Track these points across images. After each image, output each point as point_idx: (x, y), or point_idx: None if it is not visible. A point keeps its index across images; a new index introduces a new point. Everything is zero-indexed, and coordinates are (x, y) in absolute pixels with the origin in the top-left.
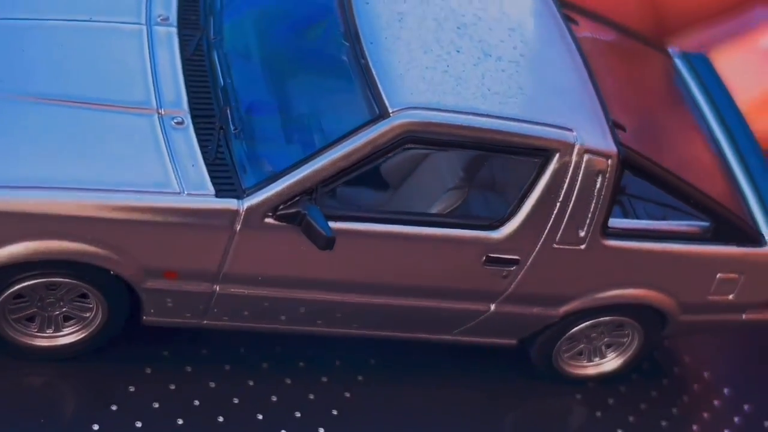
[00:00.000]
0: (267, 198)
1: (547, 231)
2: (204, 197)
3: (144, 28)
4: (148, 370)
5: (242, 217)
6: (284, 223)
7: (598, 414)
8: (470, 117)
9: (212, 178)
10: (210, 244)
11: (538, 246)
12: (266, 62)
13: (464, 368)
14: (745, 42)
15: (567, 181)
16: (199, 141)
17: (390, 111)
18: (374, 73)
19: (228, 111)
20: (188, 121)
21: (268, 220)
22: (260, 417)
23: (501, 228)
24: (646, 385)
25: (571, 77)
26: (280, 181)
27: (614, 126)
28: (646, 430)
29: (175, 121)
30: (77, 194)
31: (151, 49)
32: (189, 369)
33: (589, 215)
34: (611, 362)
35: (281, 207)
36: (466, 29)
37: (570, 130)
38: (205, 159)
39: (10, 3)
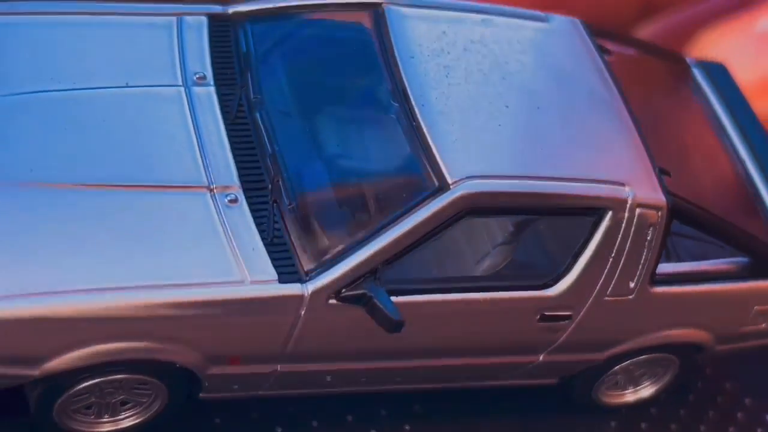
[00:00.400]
0: (331, 281)
1: (599, 286)
2: (268, 285)
3: (182, 90)
4: None
5: (307, 302)
6: (348, 304)
7: None
8: (527, 182)
9: (273, 260)
10: (274, 328)
11: (590, 301)
12: (311, 124)
13: (498, 399)
14: (741, 24)
15: (620, 237)
16: (255, 219)
17: (450, 183)
18: (430, 140)
19: (280, 182)
20: (241, 197)
21: (332, 301)
22: None
23: (555, 286)
24: (674, 404)
25: (616, 123)
26: (343, 263)
27: (661, 173)
28: None
29: (229, 199)
30: (144, 294)
31: (193, 117)
32: None
33: (640, 267)
34: (647, 389)
35: (345, 289)
36: (511, 79)
37: (622, 185)
38: (263, 239)
39: (37, 71)
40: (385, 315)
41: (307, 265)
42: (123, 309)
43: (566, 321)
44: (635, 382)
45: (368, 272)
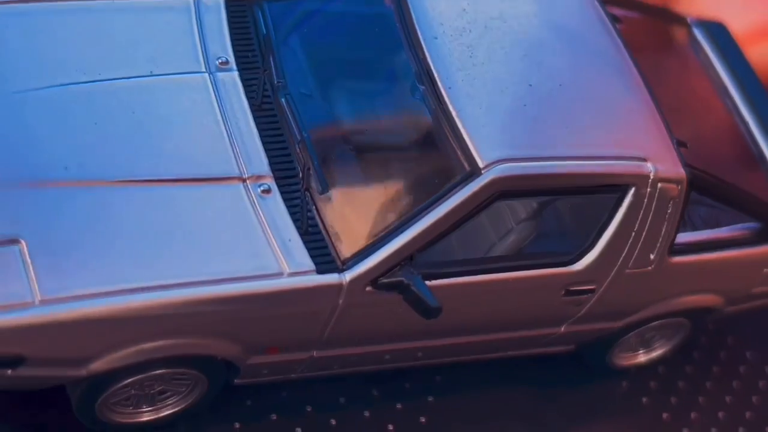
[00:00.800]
0: (368, 270)
1: (621, 260)
2: (307, 276)
3: (207, 77)
4: (237, 425)
5: (345, 291)
6: (384, 291)
7: (644, 400)
8: (556, 163)
9: (309, 251)
10: (313, 317)
11: (612, 274)
12: (337, 108)
13: (512, 366)
14: None
15: (642, 212)
16: (289, 209)
17: (482, 167)
18: (459, 125)
19: (311, 170)
20: (274, 187)
21: (369, 289)
22: None
23: (579, 262)
24: (680, 361)
25: (635, 95)
26: (379, 251)
27: (678, 145)
28: (686, 410)
29: (262, 189)
30: (188, 291)
31: (220, 105)
32: (274, 417)
33: (660, 239)
34: (659, 350)
35: (382, 277)
36: (533, 56)
37: (644, 160)
38: (298, 230)
39: (58, 62)
40: (424, 302)
41: (343, 254)
42: (168, 307)
43: (589, 294)
44: (647, 344)
45: (404, 259)
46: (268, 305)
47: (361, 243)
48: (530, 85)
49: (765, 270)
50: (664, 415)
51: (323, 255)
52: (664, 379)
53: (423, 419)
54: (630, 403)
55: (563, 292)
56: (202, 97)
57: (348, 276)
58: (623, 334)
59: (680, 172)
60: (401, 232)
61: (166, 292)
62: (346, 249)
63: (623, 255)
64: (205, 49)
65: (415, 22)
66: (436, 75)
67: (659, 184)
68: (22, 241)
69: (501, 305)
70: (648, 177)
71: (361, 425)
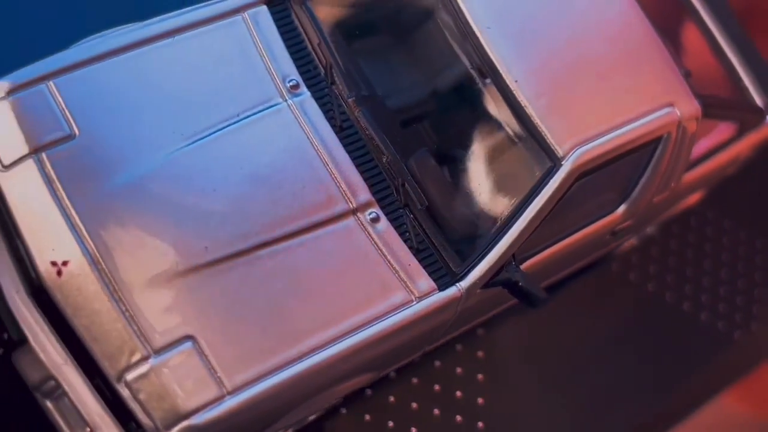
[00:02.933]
0: (480, 277)
1: (651, 196)
2: (432, 296)
3: (286, 106)
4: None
5: (463, 299)
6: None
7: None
8: (613, 135)
9: (427, 270)
10: (437, 328)
11: (644, 208)
12: (409, 115)
13: None
14: None
15: (670, 152)
16: (398, 231)
17: (561, 158)
18: (533, 117)
19: (407, 187)
20: (379, 212)
21: (479, 290)
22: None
23: (620, 207)
24: (675, 243)
25: (646, 39)
26: (486, 258)
27: (687, 76)
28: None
29: (371, 217)
30: (343, 344)
31: (308, 136)
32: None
33: (680, 169)
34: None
35: (491, 279)
36: (575, 43)
37: (672, 105)
38: (411, 250)
39: (156, 127)
40: (533, 295)
41: (455, 266)
42: (331, 362)
43: (628, 228)
44: None
45: (508, 260)
46: (404, 333)
47: (469, 253)
48: (573, 65)
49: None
50: (649, 286)
51: (438, 270)
52: (659, 259)
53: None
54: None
55: (609, 234)
56: (291, 132)
57: (464, 285)
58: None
59: (697, 108)
60: (502, 236)
61: (328, 349)
62: (457, 261)
63: (653, 192)
64: (273, 73)
65: (466, 12)
66: (499, 68)
67: (684, 124)
68: (197, 337)
69: (570, 257)
70: (678, 122)
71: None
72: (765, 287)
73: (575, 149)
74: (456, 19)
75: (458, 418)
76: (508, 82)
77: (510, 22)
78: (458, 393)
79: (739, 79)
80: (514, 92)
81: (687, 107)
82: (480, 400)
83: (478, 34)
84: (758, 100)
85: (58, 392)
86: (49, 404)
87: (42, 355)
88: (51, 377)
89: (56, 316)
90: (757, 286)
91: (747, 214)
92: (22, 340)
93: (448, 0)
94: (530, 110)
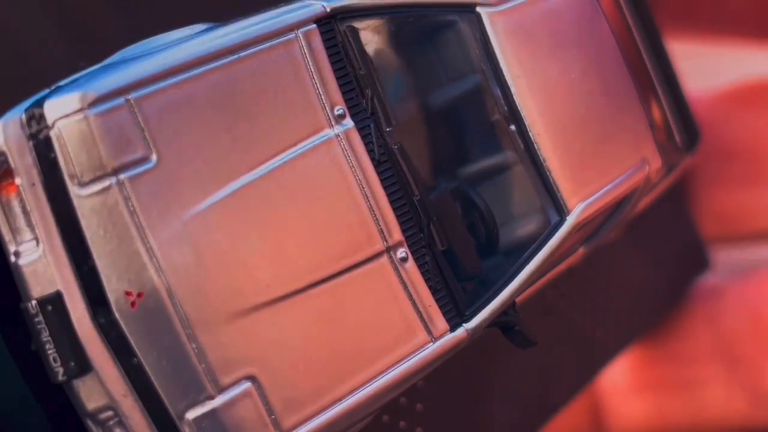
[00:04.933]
0: (484, 320)
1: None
2: (445, 338)
3: (334, 136)
4: None
5: (467, 339)
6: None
7: None
8: (606, 189)
9: (442, 310)
10: (441, 363)
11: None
12: (440, 156)
13: None
14: None
15: (633, 204)
16: (421, 270)
17: (568, 211)
18: (548, 170)
19: (432, 227)
20: (408, 252)
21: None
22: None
23: (581, 248)
24: None
25: (628, 96)
26: (493, 303)
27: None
28: None
29: (401, 257)
30: (375, 385)
31: (352, 170)
32: None
33: (630, 216)
34: None
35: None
36: (582, 98)
37: (645, 160)
38: (430, 289)
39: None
40: (527, 338)
41: (465, 308)
42: (367, 401)
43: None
44: None
45: (510, 306)
46: (423, 371)
47: (477, 297)
48: (581, 120)
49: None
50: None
51: (450, 311)
52: None
53: None
54: None
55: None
56: (339, 165)
57: (471, 326)
58: None
59: (660, 161)
60: (509, 283)
61: (364, 390)
62: (467, 304)
63: (608, 235)
64: (324, 100)
65: (500, 60)
66: (525, 119)
67: (650, 177)
68: (258, 377)
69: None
70: (647, 176)
71: None
72: None
73: (579, 204)
74: (490, 64)
75: None
76: (531, 134)
77: (536, 73)
78: None
79: (668, 120)
80: (536, 145)
81: (654, 162)
82: None
83: (510, 82)
84: (678, 140)
85: (111, 422)
86: None
87: (106, 385)
88: (110, 407)
89: (118, 343)
90: None
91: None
92: (83, 368)
93: (482, 44)
94: (548, 164)
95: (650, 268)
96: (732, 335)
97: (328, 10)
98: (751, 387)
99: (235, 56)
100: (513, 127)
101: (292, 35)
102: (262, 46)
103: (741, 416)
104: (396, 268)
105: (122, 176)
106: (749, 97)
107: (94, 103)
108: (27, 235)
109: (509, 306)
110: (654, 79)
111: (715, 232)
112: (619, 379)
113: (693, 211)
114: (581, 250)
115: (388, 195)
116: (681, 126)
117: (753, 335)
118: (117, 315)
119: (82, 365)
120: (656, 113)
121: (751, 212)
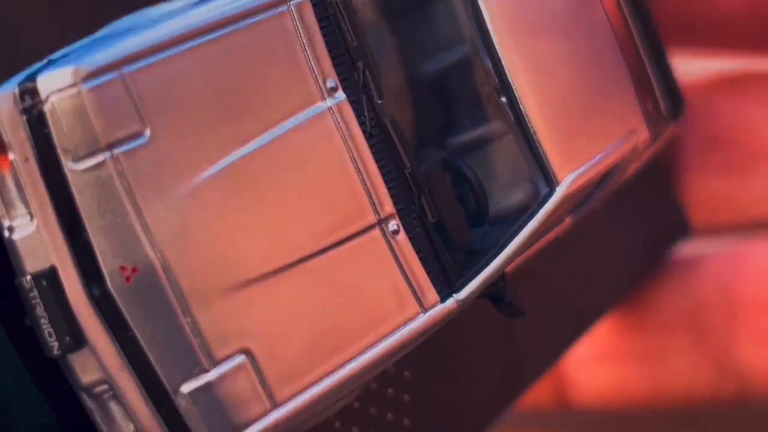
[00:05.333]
0: (473, 291)
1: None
2: (436, 309)
3: (326, 109)
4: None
5: (457, 310)
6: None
7: None
8: (595, 160)
9: (432, 281)
10: (434, 332)
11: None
12: (431, 128)
13: None
14: None
15: (619, 175)
16: (412, 242)
17: (557, 183)
18: (539, 142)
19: (423, 199)
20: (399, 224)
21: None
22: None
23: (568, 217)
24: None
25: (619, 69)
26: (481, 275)
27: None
28: None
29: (392, 229)
30: (367, 356)
31: (345, 142)
32: None
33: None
34: None
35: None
36: (572, 70)
37: (633, 132)
38: (421, 260)
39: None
40: (516, 309)
41: (455, 279)
42: (360, 371)
43: None
44: None
45: (500, 276)
46: (414, 342)
47: (467, 269)
48: (570, 91)
49: None
50: None
51: (440, 282)
52: None
53: None
54: None
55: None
56: (332, 139)
57: (461, 297)
58: None
59: (647, 135)
60: (498, 254)
61: (356, 361)
62: (457, 275)
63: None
64: (316, 73)
65: (489, 26)
66: (515, 90)
67: (637, 149)
68: (252, 350)
69: None
70: (634, 148)
71: None
72: None
73: (568, 175)
74: (481, 36)
75: None
76: (522, 106)
77: (527, 45)
78: None
79: (653, 88)
80: (527, 117)
81: (642, 132)
82: None
83: (501, 54)
84: (663, 108)
85: (106, 395)
86: (94, 406)
87: (101, 359)
88: (105, 381)
89: (113, 317)
90: None
91: None
92: (78, 342)
93: (474, 16)
94: (538, 136)
95: (630, 237)
96: (703, 306)
97: None
98: (719, 358)
99: (228, 29)
100: (503, 99)
101: (284, 8)
102: (254, 19)
103: (707, 388)
104: (388, 241)
105: (116, 151)
106: (736, 85)
107: (87, 78)
108: (21, 210)
109: (499, 277)
110: (640, 47)
111: (699, 221)
112: (587, 350)
113: (675, 183)
114: (568, 220)
115: (380, 167)
116: (666, 94)
117: (724, 307)
118: (112, 289)
119: (77, 339)
120: (643, 82)
121: (735, 201)
